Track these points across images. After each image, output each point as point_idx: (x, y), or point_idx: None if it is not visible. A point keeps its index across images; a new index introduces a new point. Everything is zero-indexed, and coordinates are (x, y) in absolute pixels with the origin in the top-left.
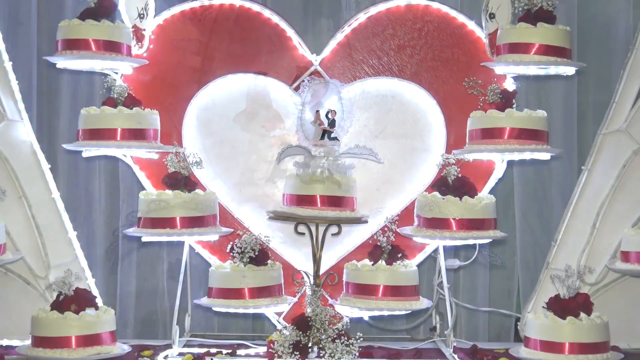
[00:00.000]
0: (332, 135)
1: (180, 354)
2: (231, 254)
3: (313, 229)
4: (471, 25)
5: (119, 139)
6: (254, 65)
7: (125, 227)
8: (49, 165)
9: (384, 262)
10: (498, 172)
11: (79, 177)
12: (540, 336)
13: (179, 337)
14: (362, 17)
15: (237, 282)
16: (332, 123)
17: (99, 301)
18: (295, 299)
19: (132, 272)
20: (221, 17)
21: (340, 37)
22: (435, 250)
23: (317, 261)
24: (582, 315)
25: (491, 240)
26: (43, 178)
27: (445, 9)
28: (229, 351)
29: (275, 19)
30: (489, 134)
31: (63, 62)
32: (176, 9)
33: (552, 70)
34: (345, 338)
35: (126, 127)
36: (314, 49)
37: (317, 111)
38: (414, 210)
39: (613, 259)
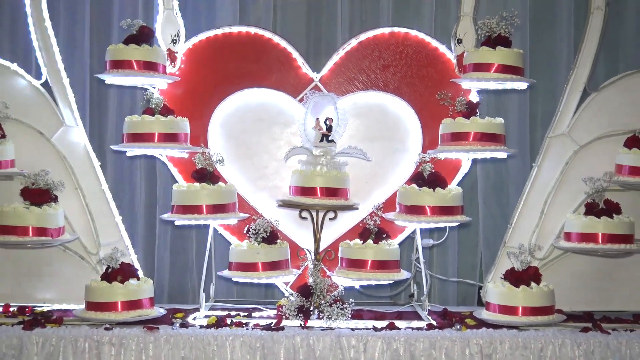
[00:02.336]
0: (330, 138)
1: (206, 316)
2: (247, 234)
3: (314, 214)
4: (442, 48)
5: (156, 141)
6: (266, 81)
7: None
8: (99, 163)
9: (371, 241)
10: (464, 168)
11: (123, 172)
12: (498, 301)
13: (205, 302)
14: (353, 42)
15: (252, 258)
16: (329, 128)
17: (140, 273)
18: (300, 272)
19: (167, 249)
20: (239, 42)
21: (336, 58)
22: (413, 232)
23: (317, 240)
24: (533, 284)
25: (459, 223)
26: (94, 173)
27: (421, 35)
28: (246, 313)
29: (283, 43)
30: (457, 137)
31: (110, 78)
32: (203, 36)
33: (509, 85)
34: (340, 303)
35: (162, 132)
36: (315, 68)
37: (317, 119)
38: (396, 199)
39: (557, 239)
